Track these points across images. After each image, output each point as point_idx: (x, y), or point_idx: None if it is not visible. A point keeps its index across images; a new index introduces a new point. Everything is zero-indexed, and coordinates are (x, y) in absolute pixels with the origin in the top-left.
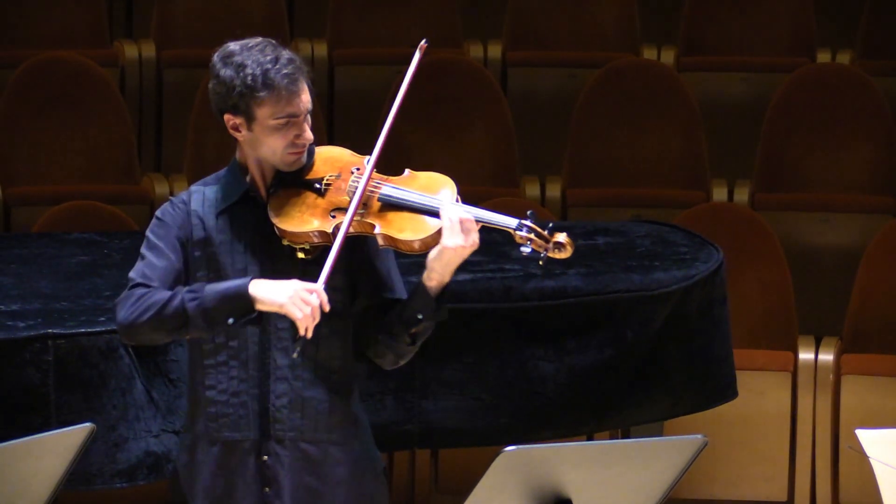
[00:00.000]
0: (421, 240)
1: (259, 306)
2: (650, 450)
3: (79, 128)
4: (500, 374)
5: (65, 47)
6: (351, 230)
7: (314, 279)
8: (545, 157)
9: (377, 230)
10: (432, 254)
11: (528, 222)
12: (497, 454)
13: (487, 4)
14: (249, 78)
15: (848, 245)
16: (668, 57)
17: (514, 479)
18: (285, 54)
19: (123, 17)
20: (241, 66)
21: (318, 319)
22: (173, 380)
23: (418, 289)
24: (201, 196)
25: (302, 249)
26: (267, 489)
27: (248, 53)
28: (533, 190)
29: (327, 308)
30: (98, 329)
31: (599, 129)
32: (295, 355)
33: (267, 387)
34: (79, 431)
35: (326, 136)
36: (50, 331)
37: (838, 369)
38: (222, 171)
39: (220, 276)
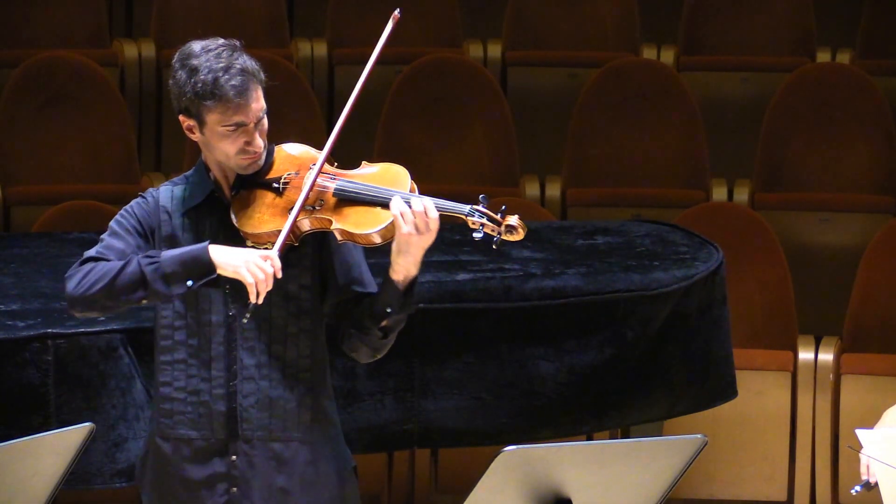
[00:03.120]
0: (377, 232)
1: (217, 268)
2: (650, 449)
3: (78, 127)
4: (500, 373)
5: (65, 47)
6: (309, 227)
7: (279, 279)
8: (545, 156)
9: (333, 225)
10: (393, 247)
11: (480, 207)
12: (497, 454)
13: (487, 4)
14: (199, 84)
15: (848, 244)
16: (667, 56)
17: (514, 479)
18: (238, 62)
19: (123, 17)
20: (194, 71)
21: (270, 286)
22: None
23: (385, 283)
24: (170, 194)
25: (266, 250)
26: (234, 489)
27: (205, 57)
28: (533, 190)
29: (280, 275)
30: (98, 329)
31: (599, 128)
32: (245, 320)
33: (234, 387)
34: (78, 431)
35: (326, 134)
36: (50, 330)
37: (838, 369)
38: (191, 171)
39: None
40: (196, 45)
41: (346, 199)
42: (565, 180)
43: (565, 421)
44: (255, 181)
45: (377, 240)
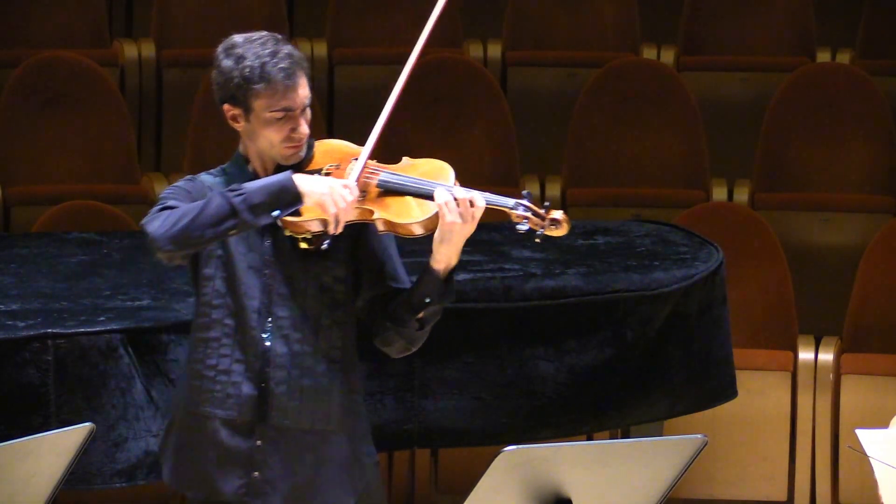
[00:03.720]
0: (419, 223)
1: (303, 196)
2: (650, 449)
3: (78, 127)
4: (500, 373)
5: (65, 47)
6: (351, 217)
7: (315, 270)
8: (545, 156)
9: (376, 215)
10: (436, 236)
11: (524, 201)
12: (497, 454)
13: (487, 4)
14: (247, 70)
15: (848, 244)
16: (667, 56)
17: (514, 479)
18: (285, 48)
19: (123, 17)
20: (240, 58)
21: (351, 214)
22: (173, 380)
23: (426, 272)
24: (210, 181)
25: (304, 239)
26: (256, 474)
27: (250, 46)
28: (533, 189)
29: (357, 197)
30: (98, 329)
31: (599, 128)
32: (324, 247)
33: (266, 373)
34: (78, 431)
35: (326, 135)
36: (50, 330)
37: (838, 369)
38: (227, 164)
39: (230, 261)
40: (238, 37)
41: (390, 191)
42: (565, 180)
43: (565, 421)
44: (296, 172)
45: (419, 230)
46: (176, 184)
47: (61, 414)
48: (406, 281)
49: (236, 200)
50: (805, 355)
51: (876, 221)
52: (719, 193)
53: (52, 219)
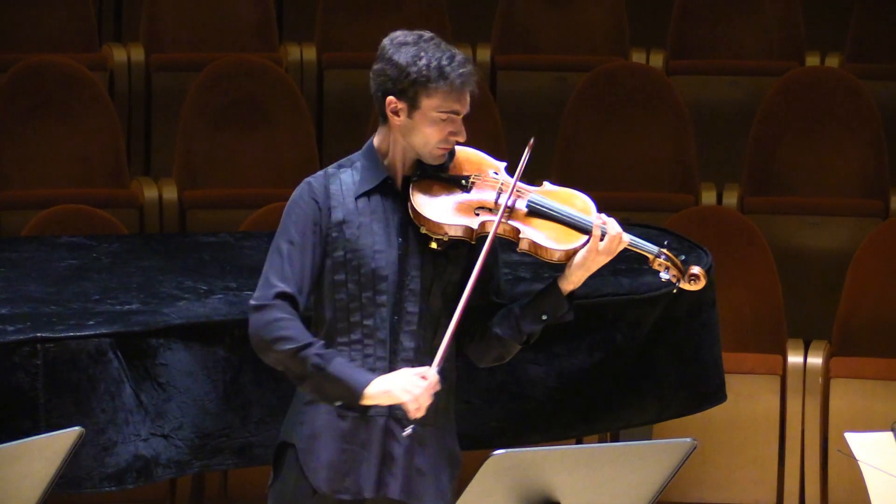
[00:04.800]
0: (564, 251)
1: (365, 401)
2: (639, 453)
3: (68, 131)
4: (490, 377)
5: (54, 51)
6: (499, 233)
7: (440, 271)
8: (534, 160)
9: (522, 234)
10: (576, 259)
11: (667, 251)
12: (486, 458)
13: (476, 8)
14: (426, 68)
15: (837, 248)
16: (657, 60)
17: (504, 483)
18: (459, 55)
19: (112, 21)
20: (417, 56)
21: (430, 401)
22: (162, 384)
23: (550, 290)
24: (338, 179)
25: (437, 240)
26: (384, 466)
27: (425, 45)
28: None
29: (439, 387)
30: (87, 333)
31: (589, 132)
32: (406, 433)
33: (394, 368)
34: (68, 435)
35: (316, 139)
36: (39, 334)
37: (827, 373)
38: (355, 156)
39: (358, 257)
40: (407, 36)
41: (538, 213)
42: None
43: (555, 425)
44: (438, 174)
45: (559, 256)
46: (298, 204)
47: (51, 418)
48: (506, 298)
49: (311, 367)
50: (794, 359)
51: (865, 225)
52: (708, 197)
53: (41, 223)
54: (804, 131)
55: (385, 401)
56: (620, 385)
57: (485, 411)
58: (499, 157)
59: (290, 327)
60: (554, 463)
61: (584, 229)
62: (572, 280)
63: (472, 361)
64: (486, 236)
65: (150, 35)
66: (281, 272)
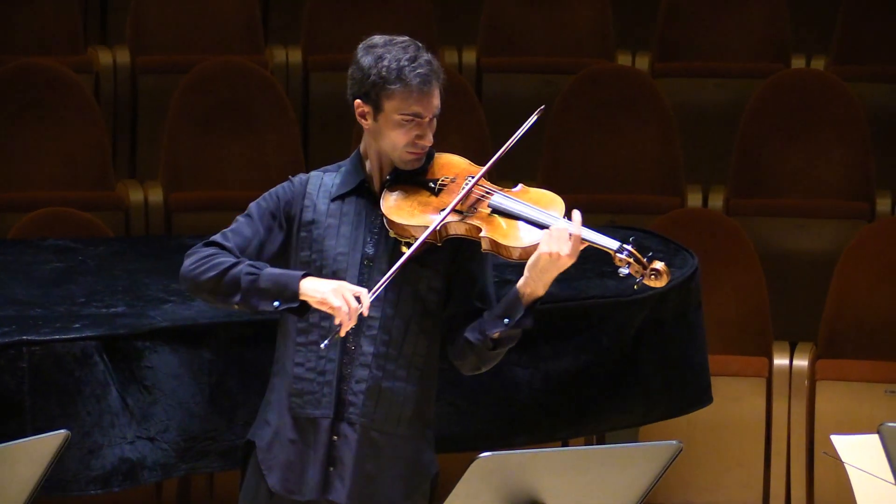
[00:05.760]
0: (523, 248)
1: (302, 297)
2: (625, 455)
3: (53, 134)
4: (475, 379)
5: (39, 54)
6: (457, 231)
7: (413, 277)
8: (520, 163)
9: (483, 233)
10: (531, 262)
11: (629, 247)
12: (472, 460)
13: (462, 10)
14: (385, 69)
15: (823, 250)
16: (642, 63)
17: (490, 486)
18: (425, 56)
19: (98, 24)
20: (380, 58)
21: (354, 322)
22: (148, 386)
23: (511, 294)
24: (319, 181)
25: (406, 243)
26: (331, 468)
27: (391, 48)
28: None
29: (366, 313)
30: (73, 336)
31: (574, 134)
32: (322, 346)
33: (349, 371)
34: (54, 438)
35: (301, 142)
36: (25, 337)
37: (813, 375)
38: (345, 161)
39: (322, 258)
40: (380, 37)
41: (500, 212)
42: (540, 187)
43: (541, 427)
44: (412, 178)
45: (519, 255)
46: (272, 190)
47: (36, 421)
48: (494, 303)
49: (245, 280)
50: (780, 361)
51: (851, 227)
52: (694, 199)
53: (27, 225)
54: (790, 133)
55: (315, 297)
56: (606, 387)
57: (471, 413)
58: (482, 159)
59: (218, 255)
60: (540, 465)
61: (544, 226)
62: (530, 283)
63: (446, 366)
64: (454, 238)
65: (135, 37)
66: (223, 234)
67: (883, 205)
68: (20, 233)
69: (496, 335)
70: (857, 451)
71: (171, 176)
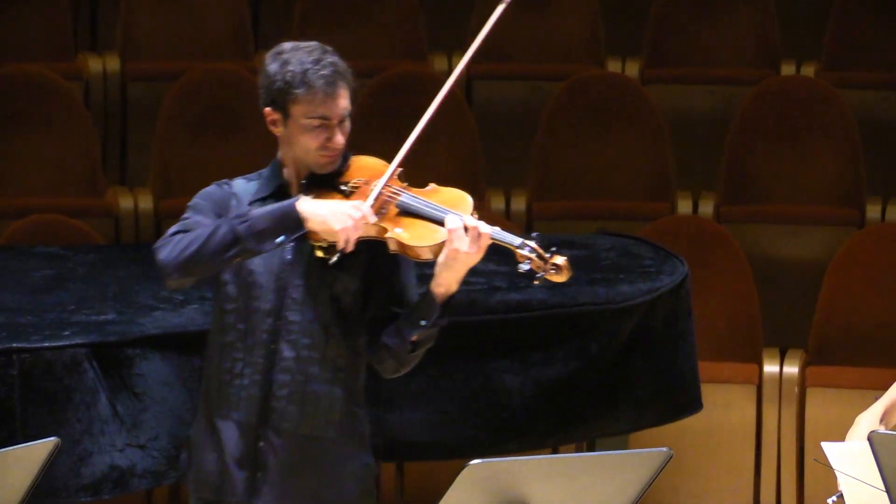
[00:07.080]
0: (428, 247)
1: (307, 224)
2: (615, 462)
3: (43, 141)
4: (465, 386)
5: (29, 61)
6: (365, 233)
7: (330, 279)
8: (510, 169)
9: (389, 234)
10: (440, 260)
11: (531, 242)
12: (462, 467)
13: (452, 17)
14: (289, 75)
15: (813, 257)
16: (632, 69)
17: (480, 493)
18: (329, 58)
19: (88, 31)
20: (285, 63)
21: (359, 233)
22: (138, 394)
23: (425, 296)
24: (242, 186)
25: (320, 248)
26: (259, 474)
27: (296, 53)
28: (498, 203)
29: (373, 220)
30: (63, 343)
31: (564, 141)
32: (331, 262)
33: (271, 376)
34: (44, 445)
35: None
36: (15, 345)
37: (803, 382)
38: (265, 169)
39: (244, 265)
40: (288, 44)
41: (408, 213)
42: (530, 193)
43: (531, 434)
44: (326, 182)
45: (427, 255)
46: (204, 191)
47: (26, 428)
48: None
49: (241, 228)
50: (770, 368)
51: (841, 234)
52: (684, 206)
53: (16, 232)
54: (780, 140)
55: (317, 221)
56: (596, 394)
57: (460, 420)
58: (472, 166)
59: (188, 234)
60: (530, 472)
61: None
62: (440, 282)
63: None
64: (372, 241)
65: (125, 44)
66: (181, 224)
67: (873, 211)
68: (10, 240)
69: (414, 338)
70: (847, 459)
71: (161, 183)
